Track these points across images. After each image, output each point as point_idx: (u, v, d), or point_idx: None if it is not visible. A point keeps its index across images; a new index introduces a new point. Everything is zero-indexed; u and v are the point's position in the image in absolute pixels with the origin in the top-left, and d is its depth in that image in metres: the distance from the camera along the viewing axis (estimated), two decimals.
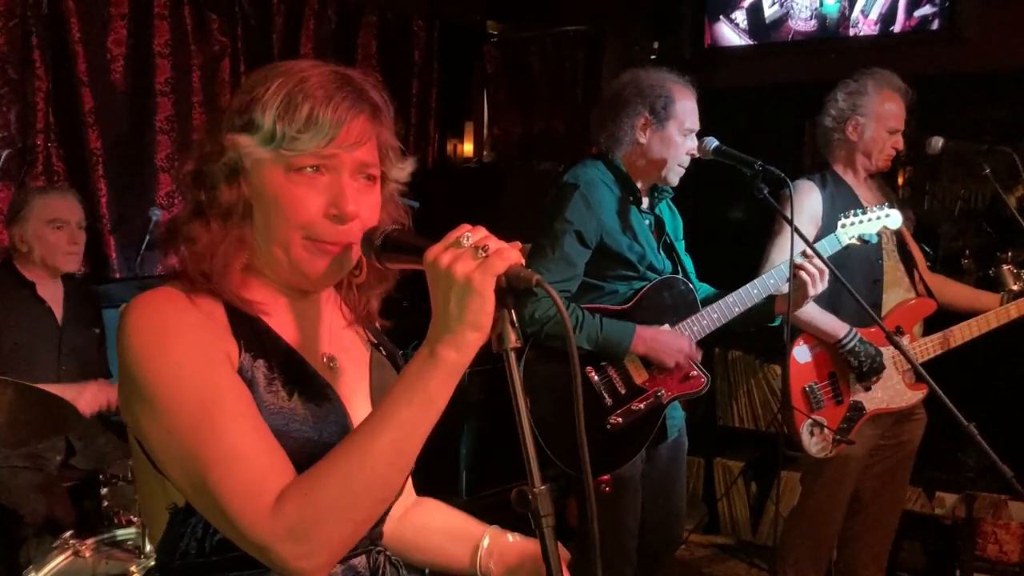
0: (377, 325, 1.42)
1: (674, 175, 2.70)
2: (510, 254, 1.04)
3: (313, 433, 1.16)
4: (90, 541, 2.49)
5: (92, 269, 4.03)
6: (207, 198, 1.17)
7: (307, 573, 1.07)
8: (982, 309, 3.09)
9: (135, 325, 1.12)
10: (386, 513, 1.30)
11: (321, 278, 1.22)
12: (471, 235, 1.06)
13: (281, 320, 1.23)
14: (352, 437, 1.10)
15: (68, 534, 2.50)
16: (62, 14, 3.87)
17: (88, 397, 2.84)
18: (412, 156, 1.29)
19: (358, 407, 1.25)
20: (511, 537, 1.41)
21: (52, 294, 3.17)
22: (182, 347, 1.11)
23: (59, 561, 2.44)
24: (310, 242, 1.18)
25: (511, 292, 1.04)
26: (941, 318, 3.12)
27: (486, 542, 1.40)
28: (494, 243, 1.05)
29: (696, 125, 2.70)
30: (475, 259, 1.04)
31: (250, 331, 1.18)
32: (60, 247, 3.10)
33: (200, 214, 1.18)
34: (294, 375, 1.19)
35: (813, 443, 2.95)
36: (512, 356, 1.04)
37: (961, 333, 3.05)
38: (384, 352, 1.39)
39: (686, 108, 2.67)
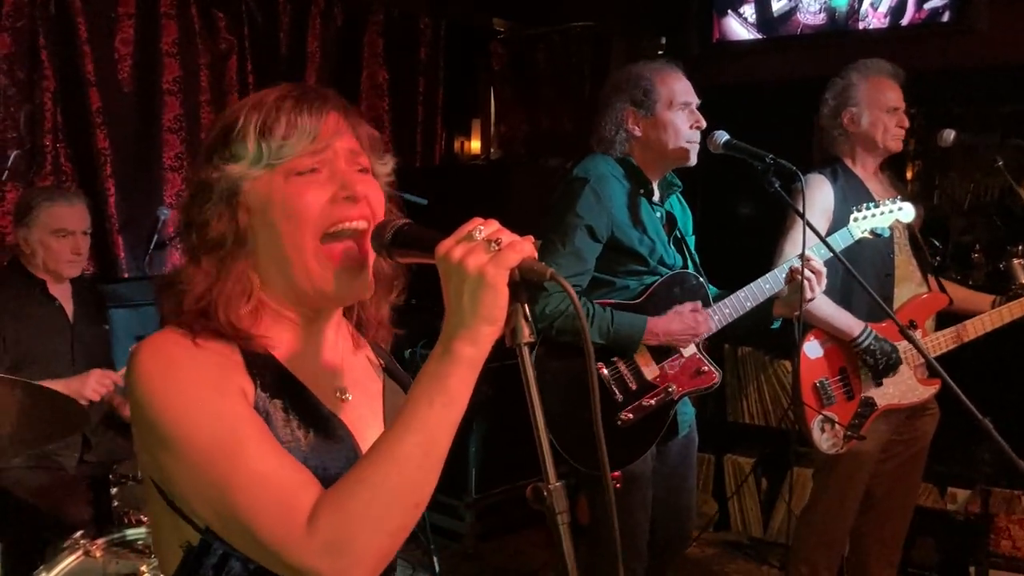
0: (386, 343, 1.41)
1: (688, 154, 2.65)
2: (523, 247, 1.03)
3: (331, 471, 1.14)
4: (100, 541, 2.49)
5: (100, 269, 4.05)
6: (198, 239, 1.17)
7: None
8: (975, 310, 3.08)
9: (144, 367, 1.11)
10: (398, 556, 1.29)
11: (336, 292, 1.19)
12: (483, 228, 1.04)
13: (292, 355, 1.21)
14: (378, 444, 1.08)
15: (79, 534, 2.50)
16: (69, 14, 3.89)
17: (92, 383, 2.85)
18: (392, 153, 1.28)
19: (371, 440, 1.22)
20: None
21: (62, 292, 3.18)
22: (194, 383, 1.10)
23: (70, 561, 2.44)
24: (323, 249, 1.16)
25: (525, 286, 1.03)
26: (948, 314, 3.10)
27: None
28: (507, 236, 1.04)
29: (690, 98, 2.66)
30: (488, 252, 1.03)
31: (264, 370, 1.17)
32: (63, 255, 3.11)
33: (193, 258, 1.17)
34: (309, 415, 1.18)
35: (824, 439, 2.93)
36: (526, 351, 1.03)
37: (975, 327, 3.03)
38: (396, 378, 1.38)
39: (670, 87, 2.65)
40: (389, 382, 1.35)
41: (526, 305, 1.04)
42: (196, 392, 1.09)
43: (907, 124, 3.03)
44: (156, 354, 1.12)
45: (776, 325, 2.79)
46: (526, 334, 1.03)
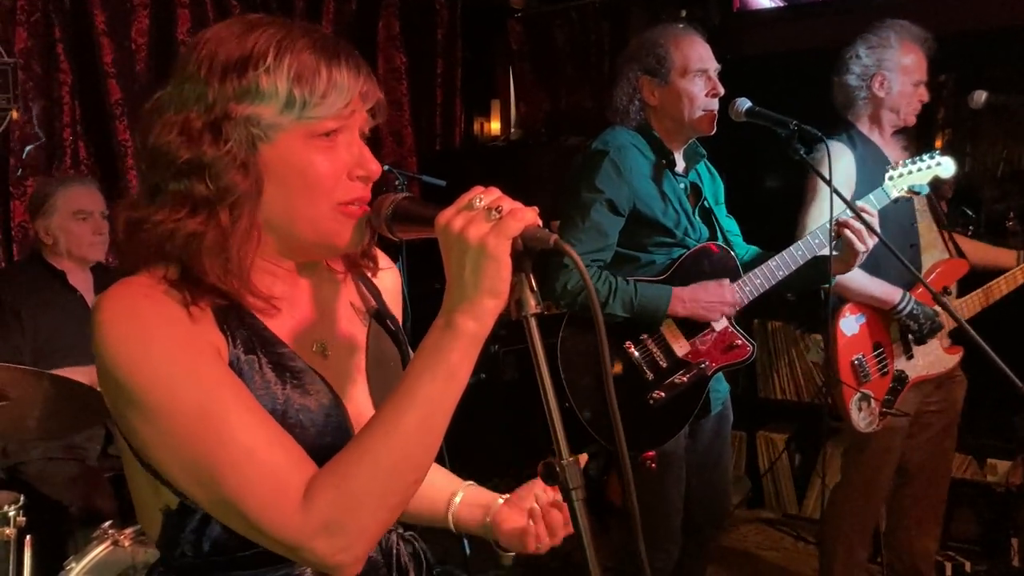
0: (377, 269, 1.32)
1: (706, 123, 2.58)
2: (525, 214, 0.98)
3: (310, 428, 1.10)
4: (128, 531, 2.48)
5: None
6: (215, 188, 1.04)
7: (345, 566, 1.02)
8: (1000, 266, 3.02)
9: (110, 324, 1.01)
10: None
11: (347, 246, 1.15)
12: (484, 197, 1.00)
13: (269, 308, 1.14)
14: (376, 420, 1.04)
15: (107, 524, 2.50)
16: (85, 6, 3.88)
17: None
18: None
19: (355, 393, 1.20)
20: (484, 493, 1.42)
21: (83, 283, 3.19)
22: (169, 344, 1.02)
23: (99, 551, 2.44)
24: (338, 211, 1.11)
25: (528, 255, 0.98)
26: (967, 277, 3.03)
27: (459, 496, 1.40)
28: (508, 204, 0.99)
29: (705, 63, 2.57)
30: (489, 221, 0.98)
31: (237, 324, 1.10)
32: (85, 238, 3.12)
33: (204, 206, 1.05)
34: (284, 370, 1.12)
35: (861, 417, 2.86)
36: (533, 322, 0.99)
37: (999, 287, 2.96)
38: (384, 323, 1.31)
39: (684, 52, 2.57)
40: (374, 327, 1.28)
41: (531, 275, 0.99)
42: (169, 354, 1.01)
43: (927, 99, 2.95)
44: (123, 309, 1.03)
45: (832, 283, 2.69)
46: (532, 305, 0.99)
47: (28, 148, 3.72)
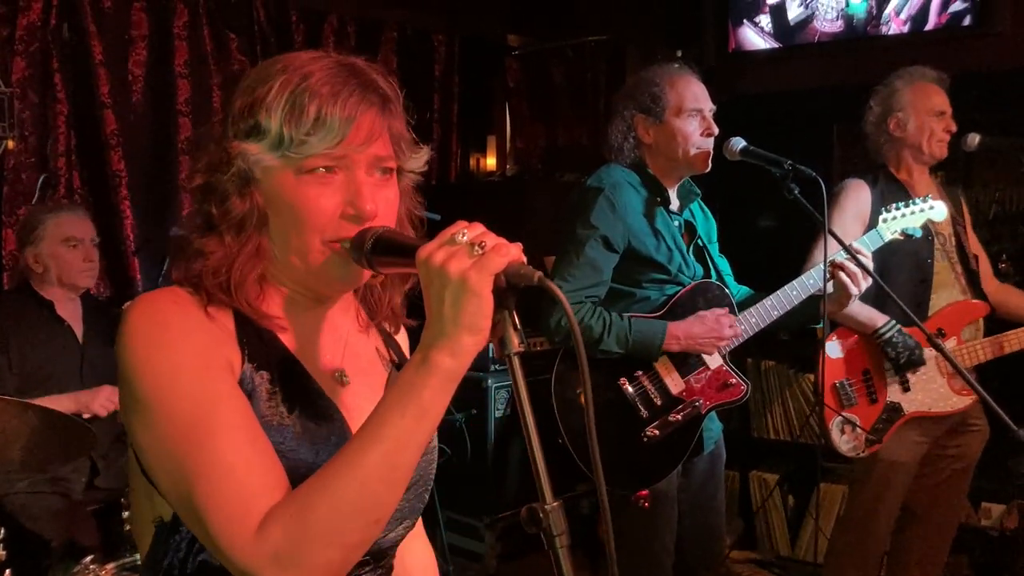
0: (401, 327, 1.36)
1: (700, 162, 2.59)
2: (509, 250, 0.97)
3: (309, 455, 1.10)
4: (111, 566, 2.46)
5: (116, 290, 4.03)
6: (219, 211, 1.12)
7: None
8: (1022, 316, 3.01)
9: (135, 325, 1.07)
10: (399, 541, 1.23)
11: (338, 282, 1.16)
12: (467, 231, 0.99)
13: (292, 331, 1.17)
14: (342, 453, 1.03)
15: (88, 559, 2.48)
16: (84, 37, 3.90)
17: (102, 399, 2.85)
18: (426, 146, 1.22)
19: None
20: None
21: (71, 313, 3.17)
22: (182, 350, 1.06)
23: None
24: (327, 246, 1.12)
25: (512, 292, 0.96)
26: (1003, 326, 3.01)
27: None
28: (492, 239, 0.98)
29: (700, 103, 2.60)
30: (471, 257, 0.97)
31: (256, 340, 1.13)
32: (75, 264, 3.12)
33: (212, 227, 1.13)
34: (297, 391, 1.13)
35: (843, 441, 2.88)
36: (516, 362, 0.97)
37: (1018, 338, 2.95)
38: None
39: (679, 92, 2.59)
40: (394, 375, 1.29)
41: (514, 313, 0.98)
42: (182, 364, 1.05)
43: (955, 129, 2.98)
44: (150, 313, 1.09)
45: (821, 324, 2.72)
46: (515, 344, 0.97)
47: (42, 178, 3.73)
